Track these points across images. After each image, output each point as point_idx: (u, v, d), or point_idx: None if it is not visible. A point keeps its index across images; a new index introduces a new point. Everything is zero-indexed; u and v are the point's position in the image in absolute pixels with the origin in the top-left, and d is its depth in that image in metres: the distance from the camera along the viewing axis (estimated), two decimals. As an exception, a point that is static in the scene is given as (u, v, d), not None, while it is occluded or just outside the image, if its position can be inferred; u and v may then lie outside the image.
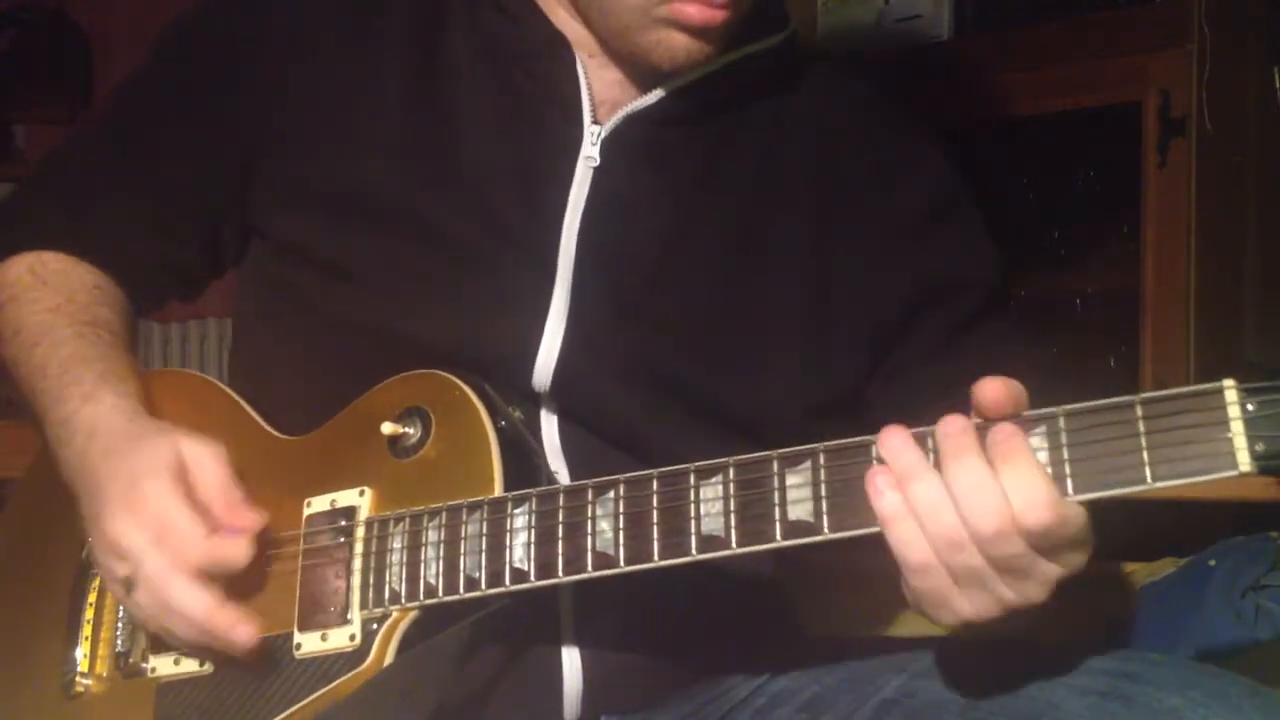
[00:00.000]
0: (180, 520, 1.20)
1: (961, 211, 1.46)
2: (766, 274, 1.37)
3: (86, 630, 1.35)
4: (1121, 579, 2.02)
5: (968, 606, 1.05)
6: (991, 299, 1.43)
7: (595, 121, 1.35)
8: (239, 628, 1.20)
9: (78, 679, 1.34)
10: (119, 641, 1.33)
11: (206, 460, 1.24)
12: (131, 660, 1.32)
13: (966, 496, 1.01)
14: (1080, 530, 1.03)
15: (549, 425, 1.32)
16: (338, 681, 1.20)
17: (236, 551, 1.21)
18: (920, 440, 1.05)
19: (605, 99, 1.37)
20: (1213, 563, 2.03)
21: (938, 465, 1.03)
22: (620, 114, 1.36)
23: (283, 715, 1.22)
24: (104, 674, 1.34)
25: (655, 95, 1.36)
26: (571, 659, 1.30)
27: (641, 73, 1.36)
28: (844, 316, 1.38)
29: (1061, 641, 1.19)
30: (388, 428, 1.24)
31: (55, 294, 1.40)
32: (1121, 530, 1.10)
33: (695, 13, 1.26)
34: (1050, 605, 1.06)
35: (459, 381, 1.24)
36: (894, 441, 1.05)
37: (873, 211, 1.41)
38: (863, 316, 1.39)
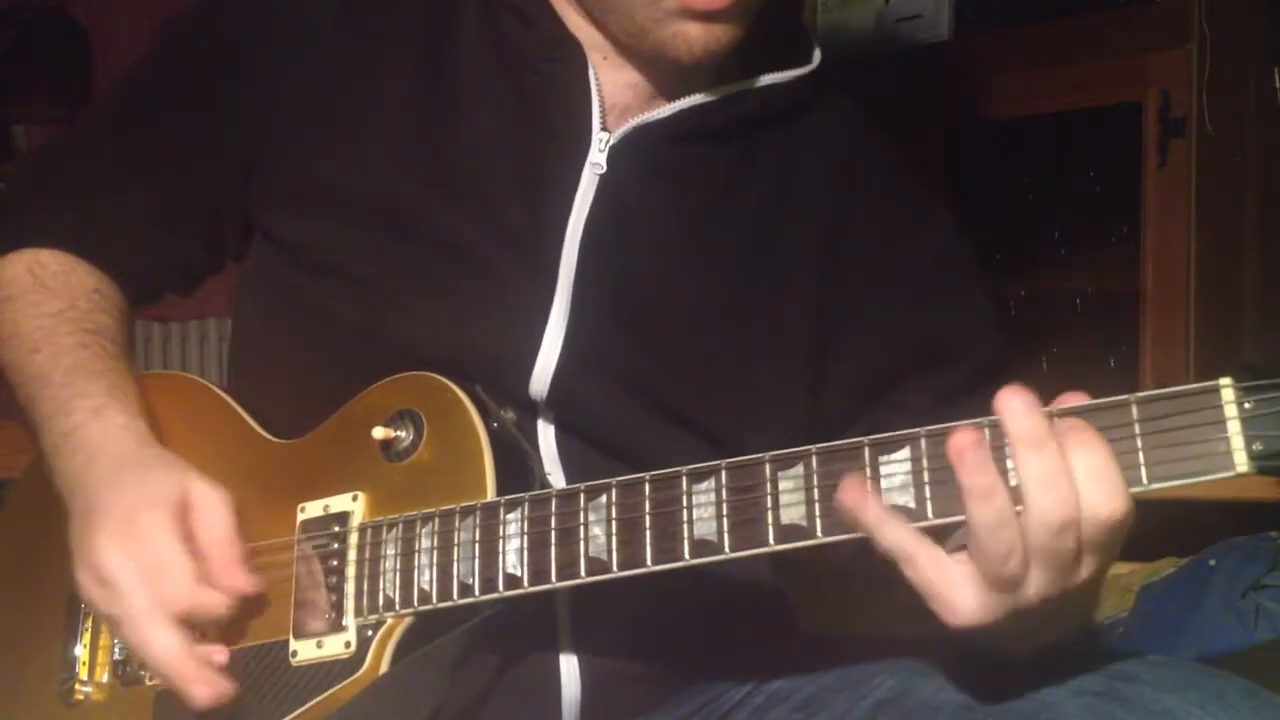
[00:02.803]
0: (172, 561, 1.19)
1: (966, 278, 1.45)
2: (769, 302, 1.36)
3: (85, 637, 1.35)
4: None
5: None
6: (982, 374, 1.39)
7: (604, 128, 1.34)
8: (197, 686, 1.19)
9: (76, 686, 1.33)
10: (117, 649, 1.32)
11: (213, 506, 1.22)
12: (130, 668, 1.31)
13: (1037, 485, 0.98)
14: (1126, 531, 1.01)
15: (545, 433, 1.31)
16: (334, 689, 1.20)
17: (219, 607, 1.20)
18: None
19: (616, 103, 1.35)
20: (1213, 563, 2.04)
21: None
22: (630, 123, 1.35)
23: (279, 723, 1.22)
24: (103, 681, 1.33)
25: (668, 109, 1.35)
26: (569, 665, 1.30)
27: (659, 74, 1.35)
28: (839, 359, 1.38)
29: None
30: (379, 432, 1.23)
31: (56, 298, 1.39)
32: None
33: None
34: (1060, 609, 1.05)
35: (450, 384, 1.23)
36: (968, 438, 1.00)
37: (879, 262, 1.40)
38: (854, 364, 1.38)
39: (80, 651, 1.35)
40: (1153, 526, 1.07)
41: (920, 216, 1.45)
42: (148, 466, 1.25)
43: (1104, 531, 1.00)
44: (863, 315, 1.39)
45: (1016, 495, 0.99)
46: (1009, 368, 1.41)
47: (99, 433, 1.28)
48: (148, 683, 1.29)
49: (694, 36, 1.27)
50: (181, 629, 1.19)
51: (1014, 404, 1.00)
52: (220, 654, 1.21)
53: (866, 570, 1.12)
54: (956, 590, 1.02)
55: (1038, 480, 0.98)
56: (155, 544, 1.19)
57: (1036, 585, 1.01)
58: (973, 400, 1.33)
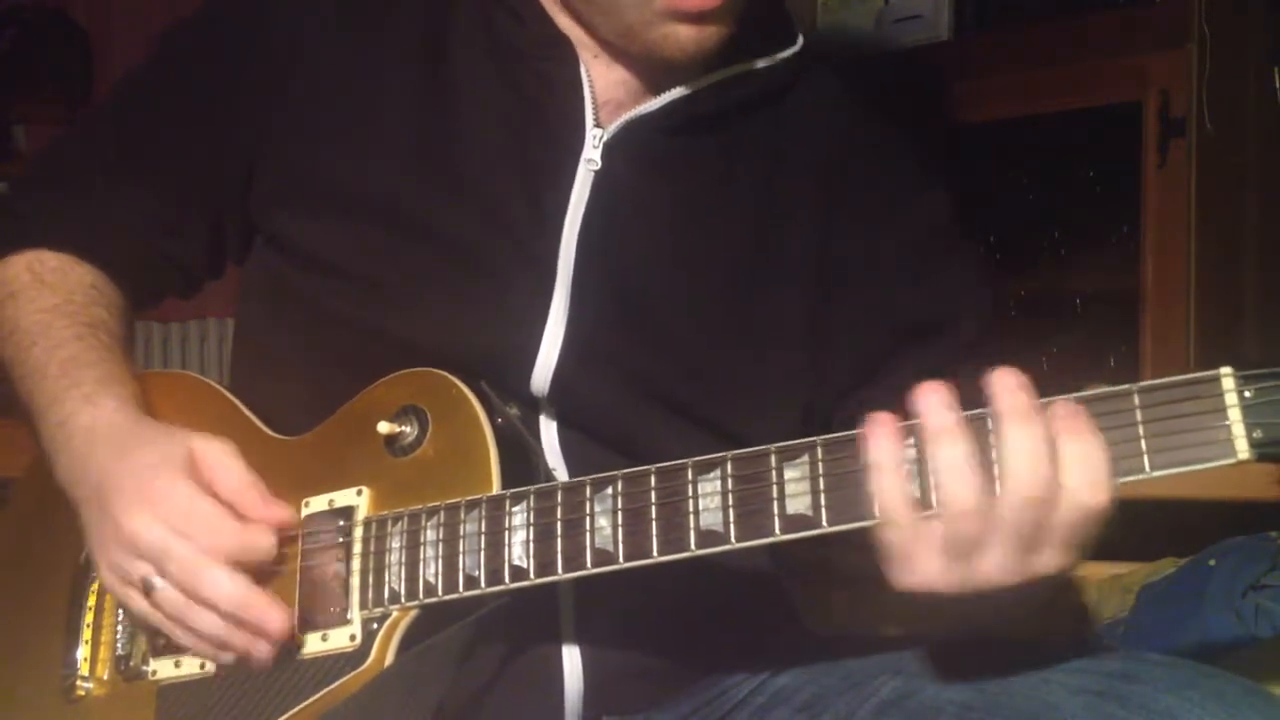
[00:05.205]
0: (206, 510, 1.19)
1: (958, 248, 1.46)
2: (768, 288, 1.37)
3: (86, 633, 1.35)
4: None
5: (939, 575, 1.04)
6: (972, 343, 1.41)
7: (598, 125, 1.35)
8: (273, 613, 1.18)
9: (78, 682, 1.34)
10: (119, 644, 1.32)
11: (222, 457, 1.22)
12: (132, 663, 1.31)
13: (1016, 456, 1.00)
14: (1099, 527, 1.02)
15: (548, 429, 1.32)
16: (339, 682, 1.20)
17: (267, 542, 1.20)
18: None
19: (609, 99, 1.36)
20: (1213, 563, 2.04)
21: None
22: (622, 119, 1.35)
23: (285, 716, 1.22)
24: (104, 677, 1.33)
25: (658, 102, 1.36)
26: (572, 658, 1.30)
27: (649, 71, 1.35)
28: (836, 337, 1.38)
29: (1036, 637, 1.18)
30: (384, 427, 1.24)
31: (53, 293, 1.40)
32: (1123, 530, 1.10)
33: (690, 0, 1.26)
34: (1014, 597, 1.05)
35: (455, 379, 1.23)
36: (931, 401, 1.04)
37: (872, 238, 1.40)
38: (850, 342, 1.39)
39: (82, 648, 1.35)
40: (1153, 526, 1.08)
41: (913, 194, 1.45)
42: (147, 438, 1.25)
43: (1081, 518, 1.01)
44: (857, 296, 1.39)
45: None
46: (989, 342, 1.43)
47: (91, 418, 1.28)
48: (150, 677, 1.29)
49: (685, 37, 1.28)
50: (239, 572, 1.19)
51: (1006, 379, 1.02)
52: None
53: (870, 570, 1.12)
54: (921, 552, 1.04)
55: (1016, 452, 1.00)
56: (180, 501, 1.19)
57: (996, 563, 1.03)
58: (949, 374, 1.33)
